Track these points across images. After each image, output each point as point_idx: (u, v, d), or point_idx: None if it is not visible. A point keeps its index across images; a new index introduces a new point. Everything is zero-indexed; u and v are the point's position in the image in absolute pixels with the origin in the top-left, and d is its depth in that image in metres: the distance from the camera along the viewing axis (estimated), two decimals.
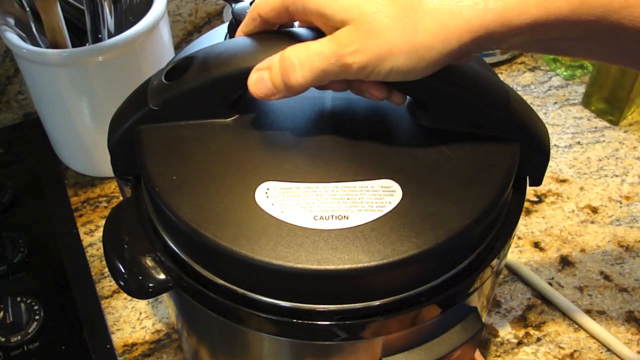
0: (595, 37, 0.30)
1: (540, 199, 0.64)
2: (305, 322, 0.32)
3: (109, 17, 0.58)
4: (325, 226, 0.31)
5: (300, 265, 0.30)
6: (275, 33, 0.34)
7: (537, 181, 0.39)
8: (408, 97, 0.36)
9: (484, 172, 0.34)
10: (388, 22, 0.29)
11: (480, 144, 0.35)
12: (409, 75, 0.30)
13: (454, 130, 0.36)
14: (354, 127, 0.36)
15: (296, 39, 0.33)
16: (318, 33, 0.32)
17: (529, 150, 0.36)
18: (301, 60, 0.31)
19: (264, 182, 0.33)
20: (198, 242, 0.31)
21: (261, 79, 0.33)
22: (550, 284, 0.56)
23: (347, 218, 0.31)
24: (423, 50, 0.29)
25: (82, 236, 0.61)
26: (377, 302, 0.32)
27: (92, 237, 0.62)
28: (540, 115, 0.73)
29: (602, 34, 0.29)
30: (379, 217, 0.32)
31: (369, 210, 0.32)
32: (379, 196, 0.32)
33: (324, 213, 0.32)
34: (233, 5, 0.42)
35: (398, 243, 0.31)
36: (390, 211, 0.32)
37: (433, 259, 0.32)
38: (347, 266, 0.30)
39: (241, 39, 0.35)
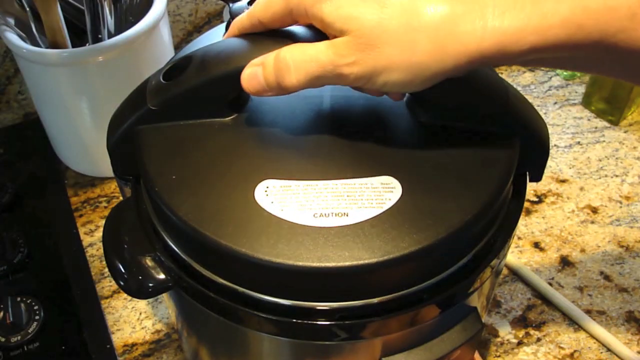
0: (593, 57, 0.30)
1: (540, 199, 0.64)
2: (305, 322, 0.32)
3: (109, 17, 0.59)
4: (325, 224, 0.31)
5: (300, 263, 0.30)
6: (274, 32, 0.34)
7: (537, 177, 0.39)
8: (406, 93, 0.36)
9: (484, 168, 0.34)
10: (386, 38, 0.29)
11: (480, 140, 0.35)
12: (403, 89, 0.31)
13: (453, 126, 0.36)
14: (353, 124, 0.36)
15: (294, 39, 0.33)
16: (317, 33, 0.32)
17: (528, 145, 0.36)
18: (297, 63, 0.31)
19: (263, 180, 0.33)
20: (198, 241, 0.31)
21: (254, 75, 0.33)
22: (550, 284, 0.56)
23: (347, 215, 0.31)
24: (418, 69, 0.30)
25: (82, 236, 0.61)
26: (377, 300, 0.32)
27: (92, 237, 0.62)
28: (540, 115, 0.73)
29: (600, 55, 0.29)
30: (378, 214, 0.32)
31: (369, 207, 0.32)
32: (378, 193, 0.32)
33: (324, 210, 0.32)
34: (230, 5, 0.42)
35: (398, 240, 0.31)
36: (390, 208, 0.32)
37: (434, 256, 0.32)
38: (347, 263, 0.30)
39: (240, 38, 0.35)
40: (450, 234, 0.31)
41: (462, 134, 0.35)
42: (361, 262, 0.30)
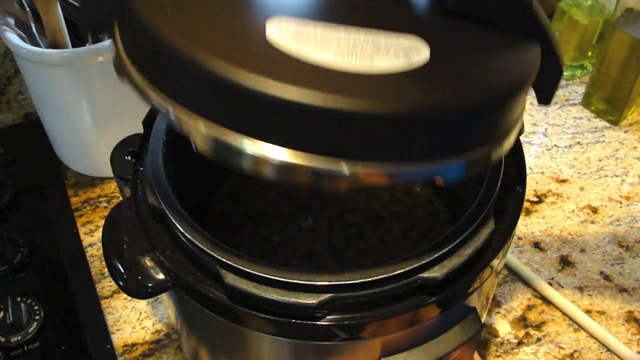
0: None
1: (540, 199, 0.64)
2: (305, 322, 0.32)
3: None
4: (347, 65, 0.28)
5: (318, 104, 0.26)
6: None
7: (547, 96, 0.37)
8: None
9: (508, 59, 0.32)
10: None
11: (504, 35, 0.33)
12: None
13: (479, 17, 0.33)
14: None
15: None
16: None
17: (544, 54, 0.34)
18: None
19: (277, 18, 0.30)
20: (193, 68, 0.27)
21: None
22: (550, 284, 0.56)
23: (372, 60, 0.28)
24: None
25: (82, 236, 0.61)
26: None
27: (92, 237, 0.62)
28: (540, 115, 0.73)
29: None
30: (404, 70, 0.29)
31: (395, 61, 0.29)
32: (405, 51, 0.29)
33: (348, 53, 0.29)
34: None
35: (419, 98, 0.28)
36: (417, 67, 0.29)
37: (451, 124, 0.29)
38: (364, 108, 0.27)
39: None
40: (477, 102, 0.29)
41: (486, 25, 0.33)
42: (378, 109, 0.27)
